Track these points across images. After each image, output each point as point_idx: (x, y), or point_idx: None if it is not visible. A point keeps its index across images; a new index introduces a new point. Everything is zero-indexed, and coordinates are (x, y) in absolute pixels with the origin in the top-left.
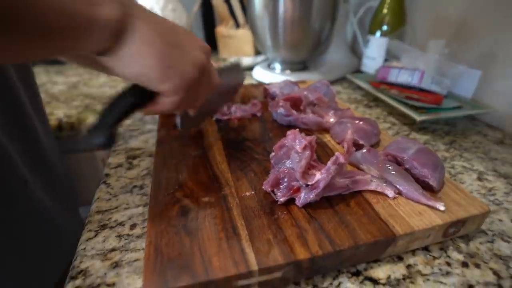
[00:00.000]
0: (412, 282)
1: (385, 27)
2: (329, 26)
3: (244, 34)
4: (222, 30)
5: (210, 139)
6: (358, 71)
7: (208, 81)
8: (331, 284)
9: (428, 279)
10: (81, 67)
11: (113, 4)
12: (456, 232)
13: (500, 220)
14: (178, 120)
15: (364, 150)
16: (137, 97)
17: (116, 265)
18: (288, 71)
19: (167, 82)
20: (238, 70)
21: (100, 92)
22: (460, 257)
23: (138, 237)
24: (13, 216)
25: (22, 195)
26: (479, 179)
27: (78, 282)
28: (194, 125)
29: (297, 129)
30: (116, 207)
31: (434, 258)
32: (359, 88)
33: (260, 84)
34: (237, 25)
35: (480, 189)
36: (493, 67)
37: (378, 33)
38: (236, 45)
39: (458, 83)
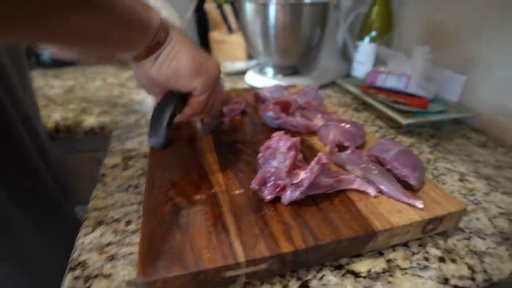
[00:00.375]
0: (391, 275)
1: (373, 33)
2: (320, 32)
3: (236, 40)
4: (215, 35)
5: (202, 141)
6: (348, 75)
7: (220, 90)
8: (314, 276)
9: (406, 273)
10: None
11: (158, 15)
12: (434, 229)
13: (478, 219)
14: (200, 127)
15: (349, 151)
16: (177, 99)
17: (112, 258)
18: (280, 76)
19: (198, 78)
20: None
21: (95, 95)
22: (438, 252)
23: (133, 232)
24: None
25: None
26: (461, 180)
27: (77, 273)
28: (208, 133)
29: (282, 131)
30: (112, 205)
31: (413, 253)
32: (349, 92)
33: (251, 89)
34: (230, 30)
35: (461, 189)
36: (476, 72)
37: (367, 39)
38: (229, 50)
39: (444, 88)
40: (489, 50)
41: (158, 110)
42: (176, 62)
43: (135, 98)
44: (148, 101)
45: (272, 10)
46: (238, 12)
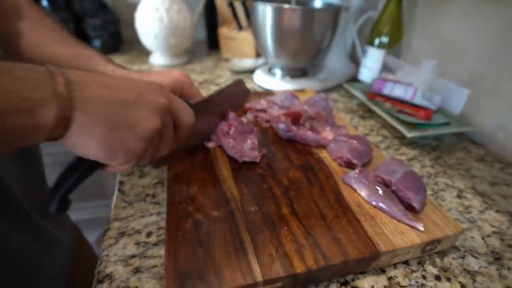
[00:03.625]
0: None
1: (383, 38)
2: (330, 36)
3: (246, 37)
4: (224, 31)
5: (216, 152)
6: (355, 78)
7: (170, 134)
8: None
9: None
10: None
11: (56, 104)
12: (432, 249)
13: (472, 237)
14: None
15: (357, 171)
16: (88, 168)
17: (136, 270)
18: (287, 77)
19: (113, 160)
20: (241, 85)
21: None
22: (435, 271)
23: (155, 244)
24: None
25: (24, 225)
26: (459, 196)
27: (105, 285)
28: (178, 156)
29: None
30: (132, 215)
31: (412, 271)
32: (355, 96)
33: (262, 92)
34: (240, 27)
35: (458, 206)
36: (480, 87)
37: (376, 42)
38: (238, 47)
39: (448, 99)
40: (495, 68)
41: (65, 171)
42: (85, 150)
43: None
44: None
45: (284, 14)
46: (248, 10)
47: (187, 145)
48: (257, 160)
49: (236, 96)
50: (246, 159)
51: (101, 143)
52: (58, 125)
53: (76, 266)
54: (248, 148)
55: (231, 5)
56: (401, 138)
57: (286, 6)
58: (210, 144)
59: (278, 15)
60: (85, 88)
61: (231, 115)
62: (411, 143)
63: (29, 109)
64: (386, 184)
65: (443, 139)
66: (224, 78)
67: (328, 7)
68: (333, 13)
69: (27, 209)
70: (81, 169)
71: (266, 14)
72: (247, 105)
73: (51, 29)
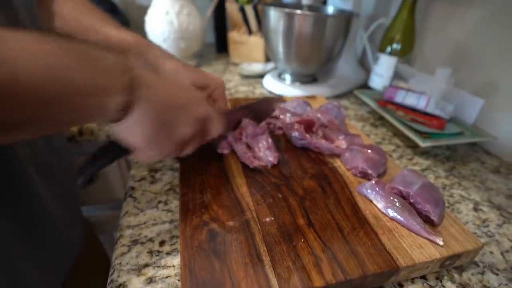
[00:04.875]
0: None
1: (395, 45)
2: (341, 43)
3: (255, 41)
4: (234, 35)
5: (229, 159)
6: (365, 85)
7: (196, 141)
8: None
9: None
10: None
11: (125, 91)
12: (451, 264)
13: (491, 253)
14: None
15: (373, 182)
16: (119, 151)
17: (150, 280)
18: (297, 83)
19: (147, 151)
20: (269, 103)
21: None
22: (453, 287)
23: (168, 254)
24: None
25: (32, 206)
26: (475, 209)
27: None
28: (195, 155)
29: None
30: (145, 223)
31: (430, 286)
32: (366, 103)
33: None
34: (250, 32)
35: (475, 220)
36: (495, 97)
37: (388, 49)
38: (247, 51)
39: (461, 109)
40: (510, 77)
41: (99, 151)
42: (128, 136)
43: None
44: None
45: (296, 20)
46: (260, 16)
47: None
48: (275, 161)
49: (262, 111)
50: (257, 163)
51: (145, 137)
52: (119, 114)
53: (85, 253)
54: (263, 148)
55: (242, 9)
56: (414, 147)
57: (298, 11)
58: (225, 150)
59: (290, 20)
60: (151, 84)
61: (245, 120)
62: (425, 153)
63: (103, 93)
64: (403, 196)
65: (457, 149)
66: (234, 83)
67: (340, 13)
68: (345, 20)
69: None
70: (116, 150)
71: (278, 19)
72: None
73: (94, 10)
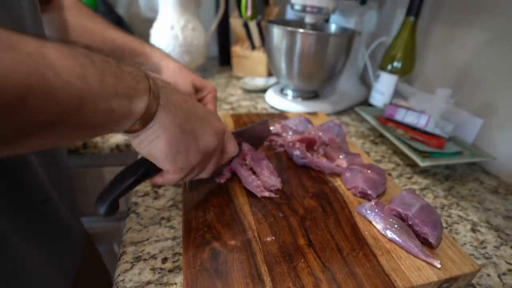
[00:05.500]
0: None
1: (396, 64)
2: (343, 60)
3: (258, 56)
4: (237, 50)
5: (232, 179)
6: (366, 102)
7: (217, 158)
8: None
9: None
10: None
11: (148, 97)
12: (449, 286)
13: (488, 275)
14: (186, 184)
15: (372, 203)
16: (141, 174)
17: None
18: (299, 99)
19: (172, 164)
20: (265, 125)
21: None
22: None
23: (170, 271)
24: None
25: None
26: (473, 230)
27: None
28: (194, 189)
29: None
30: (148, 239)
31: None
32: (367, 120)
33: (274, 114)
34: (253, 47)
35: (473, 241)
36: (494, 117)
37: (389, 67)
38: (250, 65)
39: (460, 128)
40: (510, 99)
41: (119, 176)
42: (153, 146)
43: None
44: None
45: (299, 38)
46: (262, 31)
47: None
48: (280, 186)
49: (259, 135)
50: (266, 194)
51: (169, 143)
52: (143, 117)
53: (85, 265)
54: (268, 173)
55: (245, 25)
56: (413, 165)
57: (301, 30)
58: (222, 180)
59: (293, 39)
60: (168, 93)
61: (245, 145)
62: (424, 172)
63: (130, 96)
64: (402, 218)
65: (456, 168)
66: (236, 97)
67: (342, 32)
68: (347, 38)
69: (46, 196)
70: (139, 172)
71: (281, 37)
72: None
73: (96, 16)
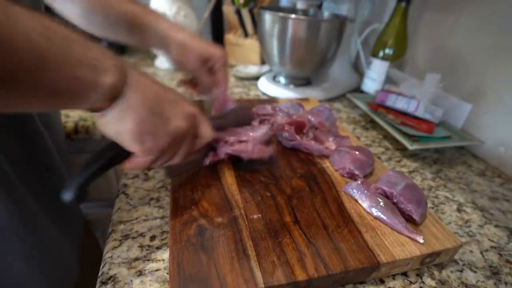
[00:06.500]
0: None
1: (388, 50)
2: (335, 47)
3: (251, 44)
4: (230, 37)
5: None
6: (358, 89)
7: (189, 142)
8: None
9: None
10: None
11: (116, 72)
12: (431, 261)
13: (471, 251)
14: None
15: (359, 182)
16: (109, 159)
17: (140, 273)
18: (291, 86)
19: (139, 144)
20: (246, 110)
21: None
22: (433, 283)
23: (158, 248)
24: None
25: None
26: (458, 210)
27: (108, 287)
28: (186, 170)
29: None
30: (136, 218)
31: (411, 283)
32: (358, 106)
33: (267, 100)
34: (246, 34)
35: (458, 220)
36: (483, 102)
37: (381, 54)
38: (243, 53)
39: (449, 113)
40: (498, 83)
41: (86, 162)
42: (120, 126)
43: None
44: None
45: (291, 24)
46: (255, 18)
47: (194, 160)
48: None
49: (241, 120)
50: (256, 154)
51: (137, 122)
52: (110, 93)
53: (84, 246)
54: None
55: (238, 12)
56: (403, 150)
57: (292, 16)
58: (207, 162)
59: (285, 24)
60: (136, 74)
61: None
62: (413, 155)
63: (95, 67)
64: (387, 196)
65: (445, 152)
66: (229, 85)
67: (334, 18)
68: (339, 25)
69: (50, 164)
70: (106, 157)
71: (273, 23)
72: (253, 110)
73: None
